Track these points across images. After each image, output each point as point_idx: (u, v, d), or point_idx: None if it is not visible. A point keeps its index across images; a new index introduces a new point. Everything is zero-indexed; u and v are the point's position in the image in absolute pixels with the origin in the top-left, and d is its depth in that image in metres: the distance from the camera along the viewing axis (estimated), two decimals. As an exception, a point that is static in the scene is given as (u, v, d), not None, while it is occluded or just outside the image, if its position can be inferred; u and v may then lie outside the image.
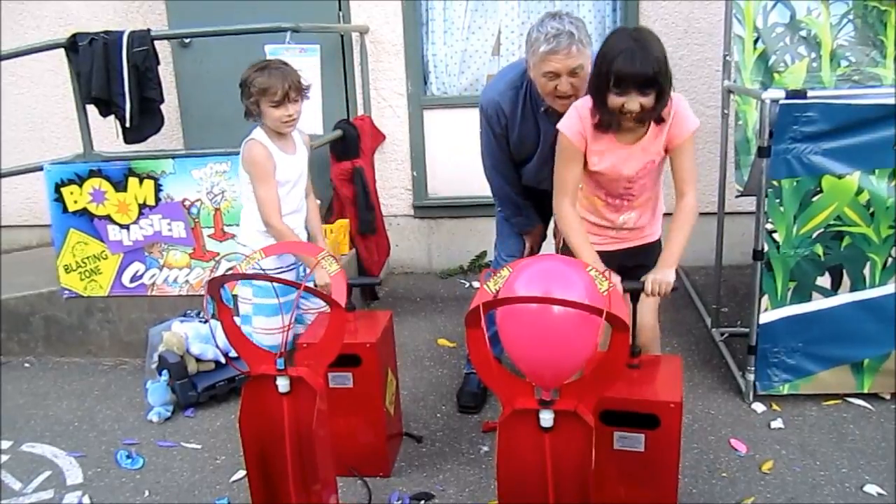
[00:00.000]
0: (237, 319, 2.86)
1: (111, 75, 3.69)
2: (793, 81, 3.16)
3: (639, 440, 2.19)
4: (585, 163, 2.42)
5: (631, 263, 2.54)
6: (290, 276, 2.89)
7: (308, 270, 2.84)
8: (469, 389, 3.25)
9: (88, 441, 3.17)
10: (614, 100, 2.23)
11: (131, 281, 3.84)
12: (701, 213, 2.51)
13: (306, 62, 3.56)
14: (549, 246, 3.18)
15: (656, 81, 2.19)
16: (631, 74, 2.17)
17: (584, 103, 2.38)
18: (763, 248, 2.95)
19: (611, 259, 2.44)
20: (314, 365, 2.20)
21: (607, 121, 2.31)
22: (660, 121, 2.36)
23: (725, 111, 3.54)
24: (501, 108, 2.82)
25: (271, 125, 2.77)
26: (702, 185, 2.81)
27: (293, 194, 2.88)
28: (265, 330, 2.82)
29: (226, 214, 3.69)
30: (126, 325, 3.91)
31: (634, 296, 2.32)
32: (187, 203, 3.71)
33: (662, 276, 2.33)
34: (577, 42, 2.49)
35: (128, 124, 3.77)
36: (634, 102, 2.21)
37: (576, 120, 2.39)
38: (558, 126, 2.43)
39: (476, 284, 4.56)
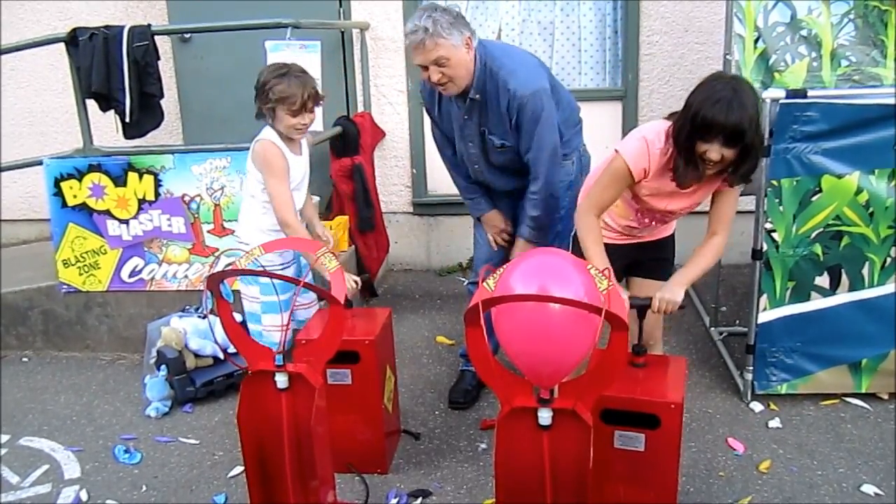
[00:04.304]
0: (238, 316, 2.86)
1: (111, 70, 3.68)
2: (793, 81, 3.15)
3: (639, 440, 2.18)
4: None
5: (645, 257, 2.54)
6: (290, 272, 2.89)
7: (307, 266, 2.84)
8: (461, 386, 3.26)
9: (86, 436, 3.17)
10: (698, 146, 2.14)
11: (130, 276, 3.84)
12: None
13: (307, 59, 3.55)
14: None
15: (744, 136, 2.10)
16: (721, 124, 2.08)
17: (657, 138, 2.27)
18: (762, 248, 2.95)
19: (625, 252, 2.44)
20: (313, 361, 2.20)
21: (686, 169, 2.19)
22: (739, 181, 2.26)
23: (726, 110, 3.53)
24: (426, 85, 2.85)
25: (283, 130, 2.77)
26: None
27: (297, 195, 2.89)
28: (276, 327, 2.81)
29: (225, 210, 3.69)
30: (124, 321, 3.90)
31: (641, 312, 2.32)
32: (187, 198, 3.71)
33: (671, 296, 2.31)
34: (431, 36, 2.56)
35: (127, 119, 3.76)
36: (716, 152, 2.12)
37: (643, 154, 2.28)
38: (621, 150, 2.32)
39: (475, 282, 4.55)
